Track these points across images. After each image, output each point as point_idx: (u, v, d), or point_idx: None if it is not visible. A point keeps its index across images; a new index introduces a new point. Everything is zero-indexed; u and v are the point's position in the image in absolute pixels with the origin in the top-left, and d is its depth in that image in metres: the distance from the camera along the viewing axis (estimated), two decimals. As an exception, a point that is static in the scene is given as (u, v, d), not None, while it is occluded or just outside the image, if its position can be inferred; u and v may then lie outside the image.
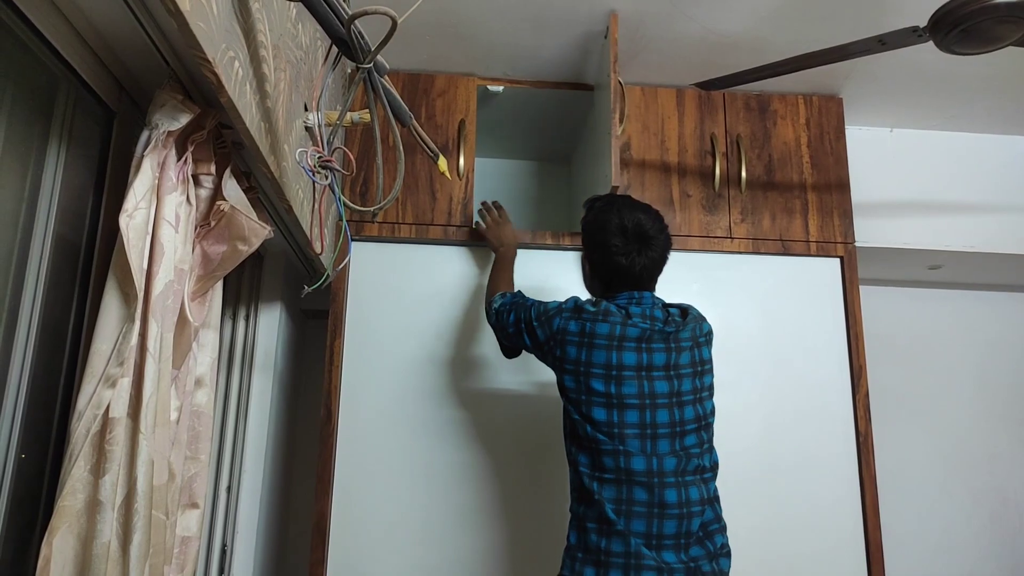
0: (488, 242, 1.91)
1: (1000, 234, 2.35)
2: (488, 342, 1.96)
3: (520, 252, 2.01)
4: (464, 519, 1.85)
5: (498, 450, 1.90)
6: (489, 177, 2.56)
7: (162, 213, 1.05)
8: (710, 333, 1.54)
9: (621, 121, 1.99)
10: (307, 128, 1.42)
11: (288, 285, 2.08)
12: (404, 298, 1.97)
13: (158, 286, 1.02)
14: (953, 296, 2.74)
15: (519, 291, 1.70)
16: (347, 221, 1.34)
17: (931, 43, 1.43)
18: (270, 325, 1.98)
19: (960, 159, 2.42)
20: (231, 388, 1.89)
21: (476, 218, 1.98)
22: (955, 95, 2.22)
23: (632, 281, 1.49)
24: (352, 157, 1.22)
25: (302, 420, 2.28)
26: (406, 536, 1.83)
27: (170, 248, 1.05)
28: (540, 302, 1.55)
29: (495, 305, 1.64)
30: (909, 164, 2.39)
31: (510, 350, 1.70)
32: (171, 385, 1.13)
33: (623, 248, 1.47)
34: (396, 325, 1.95)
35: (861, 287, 2.22)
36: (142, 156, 1.00)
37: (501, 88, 2.13)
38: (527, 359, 1.95)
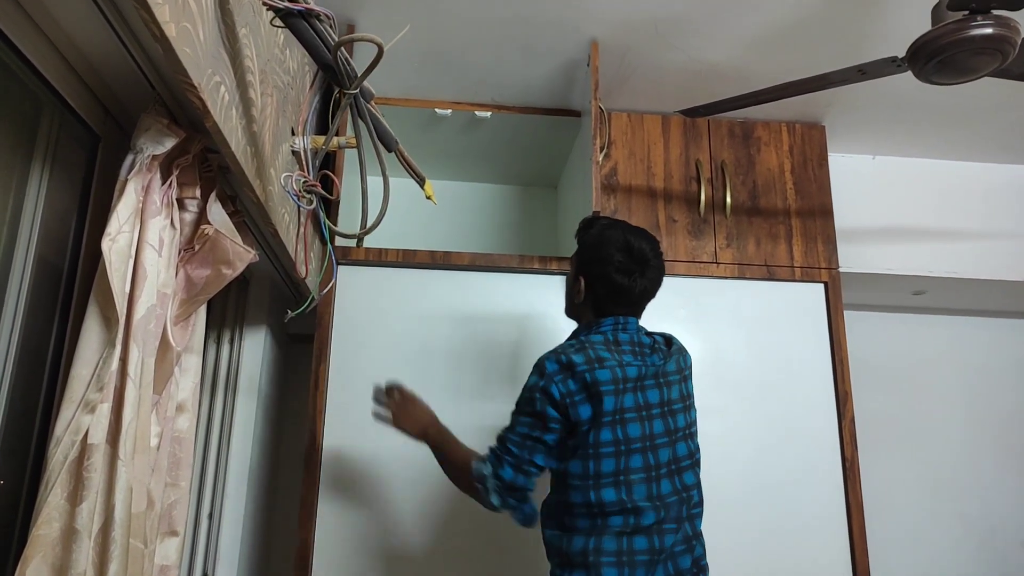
0: (403, 431, 1.57)
1: (982, 260, 2.37)
2: (475, 368, 1.95)
3: (506, 276, 2.02)
4: (451, 548, 1.83)
5: (484, 476, 1.88)
6: (476, 201, 2.57)
7: (145, 237, 1.05)
8: (691, 365, 1.53)
9: (604, 148, 2.02)
10: (293, 152, 1.43)
11: (274, 309, 2.07)
12: (390, 322, 1.96)
13: (140, 310, 1.01)
14: (938, 321, 2.76)
15: (492, 457, 1.39)
16: (332, 246, 1.33)
17: (910, 72, 1.45)
18: (255, 349, 1.97)
19: (941, 186, 2.45)
20: (214, 412, 1.87)
21: (374, 408, 1.61)
22: (935, 123, 2.26)
23: (627, 303, 1.46)
24: (338, 182, 1.22)
25: (287, 445, 2.25)
26: (391, 564, 1.80)
27: (153, 272, 1.05)
28: (516, 415, 1.38)
29: (487, 477, 1.35)
30: (891, 191, 2.43)
31: (529, 517, 1.40)
32: (152, 411, 1.11)
33: (626, 266, 1.44)
34: (382, 349, 1.94)
35: (846, 312, 2.24)
36: (126, 180, 1.00)
37: (489, 114, 2.15)
38: (515, 377, 1.95)
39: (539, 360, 1.39)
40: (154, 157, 1.03)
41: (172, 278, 1.12)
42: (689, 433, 1.44)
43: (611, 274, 1.44)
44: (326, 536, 1.79)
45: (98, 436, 0.95)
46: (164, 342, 1.12)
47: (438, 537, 1.83)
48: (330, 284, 1.55)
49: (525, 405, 1.37)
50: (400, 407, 1.59)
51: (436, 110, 2.12)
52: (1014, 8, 1.26)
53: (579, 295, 1.49)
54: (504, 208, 2.59)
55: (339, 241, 1.94)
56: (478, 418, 1.91)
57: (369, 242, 2.30)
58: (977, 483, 2.63)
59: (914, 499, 2.58)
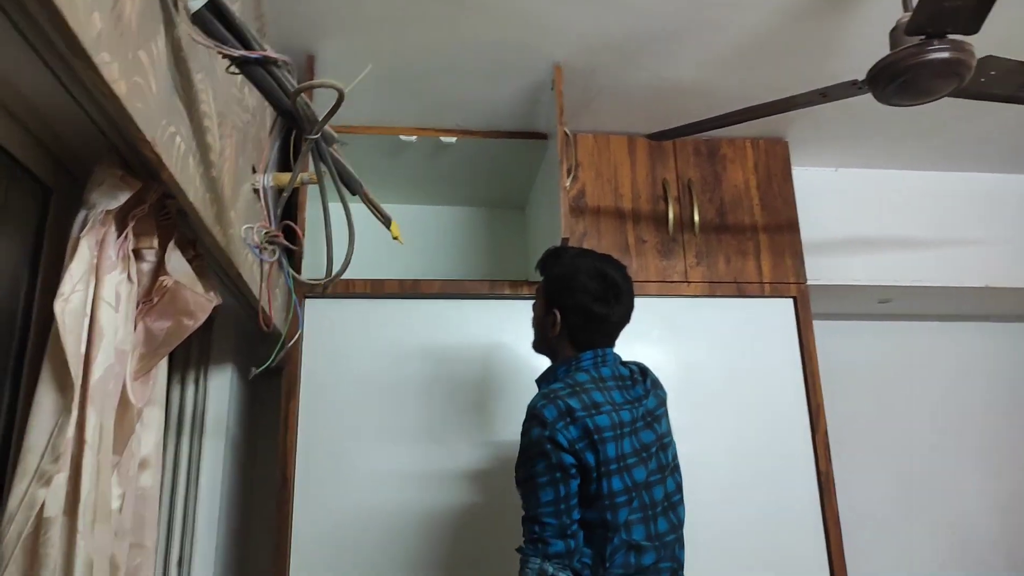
0: None
1: (946, 268, 2.41)
2: (446, 401, 1.92)
3: (476, 303, 2.00)
4: (427, 569, 1.80)
5: (462, 511, 1.86)
6: (443, 225, 2.54)
7: (101, 293, 1.00)
8: (666, 398, 1.53)
9: (571, 172, 2.01)
10: (255, 190, 1.39)
11: (240, 345, 2.01)
12: (361, 356, 1.92)
13: (97, 371, 0.97)
14: (905, 327, 2.80)
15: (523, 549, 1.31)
16: (296, 296, 1.29)
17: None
18: (221, 388, 1.91)
19: (904, 196, 2.49)
20: (180, 458, 1.80)
21: None
22: (895, 136, 2.30)
23: (605, 332, 1.45)
24: (300, 232, 1.19)
25: (258, 486, 2.20)
26: (369, 603, 1.76)
27: (110, 330, 1.00)
28: (530, 483, 1.30)
29: (545, 569, 1.26)
30: (855, 202, 2.46)
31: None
32: (112, 473, 1.07)
33: (602, 294, 1.42)
34: (353, 384, 1.90)
35: (815, 322, 2.25)
36: (79, 237, 0.96)
37: (454, 139, 2.13)
38: (489, 409, 1.93)
39: (533, 408, 1.34)
40: (108, 211, 0.99)
41: (131, 333, 1.08)
42: (675, 466, 1.45)
43: (588, 304, 1.42)
44: (300, 570, 1.75)
45: (54, 509, 0.90)
46: (124, 401, 1.07)
47: (415, 564, 1.79)
48: (296, 336, 1.50)
49: (537, 463, 1.30)
50: None
51: (401, 137, 2.10)
52: (969, 33, 1.28)
53: (554, 328, 1.46)
54: (473, 231, 2.57)
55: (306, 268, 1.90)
56: (450, 460, 1.87)
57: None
58: (948, 485, 2.66)
59: (889, 506, 2.61)
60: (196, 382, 1.88)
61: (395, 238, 1.19)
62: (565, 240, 1.80)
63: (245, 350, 2.10)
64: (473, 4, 1.62)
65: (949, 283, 2.39)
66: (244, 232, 1.03)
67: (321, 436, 1.85)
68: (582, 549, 1.29)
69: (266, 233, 1.02)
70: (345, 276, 1.96)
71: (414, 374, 1.93)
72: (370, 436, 1.87)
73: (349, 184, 1.11)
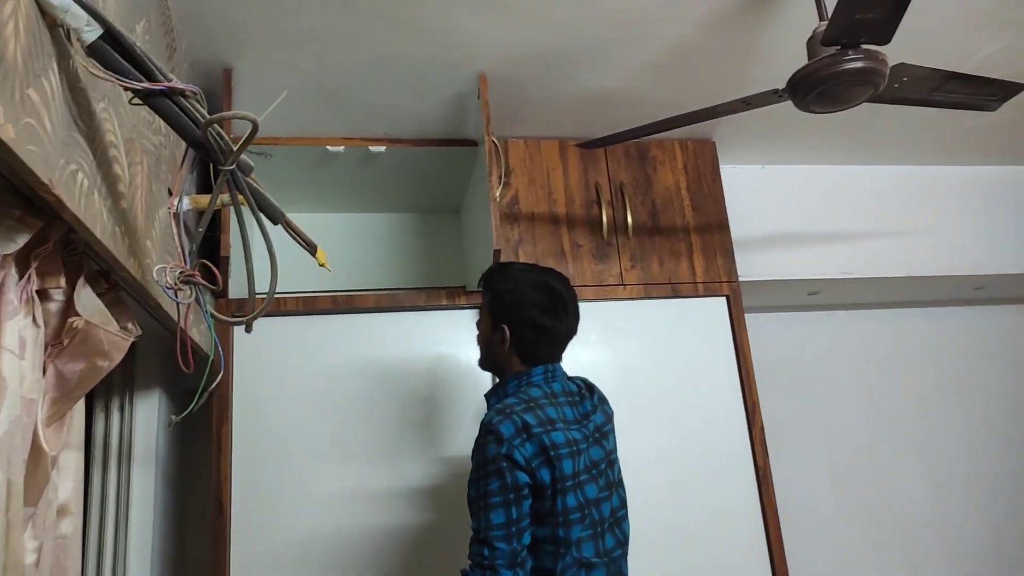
0: None
1: (872, 259, 2.50)
2: (388, 417, 1.89)
3: (413, 315, 1.97)
4: (374, 602, 1.77)
5: (409, 530, 1.83)
6: (377, 232, 2.50)
7: (2, 342, 0.94)
8: (612, 414, 1.55)
9: (503, 179, 2.00)
10: (173, 215, 1.33)
11: (166, 370, 1.94)
12: (296, 375, 1.87)
13: (2, 427, 0.91)
14: (833, 317, 2.89)
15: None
16: (216, 334, 1.24)
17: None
18: (148, 416, 1.84)
19: (829, 190, 2.56)
20: (108, 493, 1.73)
21: None
22: (818, 132, 2.36)
23: (554, 345, 1.45)
24: (217, 272, 1.14)
25: (193, 515, 2.12)
26: (313, 628, 1.73)
27: (14, 380, 0.94)
28: (483, 501, 1.28)
29: None
30: (782, 198, 2.52)
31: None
32: (26, 527, 1.01)
33: (550, 307, 1.43)
34: (290, 404, 1.85)
35: (747, 315, 2.31)
36: (-27, 286, 0.90)
37: (383, 148, 2.09)
38: (433, 424, 1.91)
39: (489, 423, 1.32)
40: (6, 256, 0.93)
41: (39, 379, 1.02)
42: (619, 481, 1.47)
43: (536, 318, 1.42)
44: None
45: (-40, 577, 0.84)
46: (36, 449, 1.01)
47: (362, 594, 1.77)
48: (216, 380, 1.45)
49: (492, 481, 1.28)
50: None
51: (328, 147, 2.04)
52: (881, 43, 1.31)
53: (502, 344, 1.45)
54: (407, 236, 2.53)
55: (234, 289, 1.83)
56: (395, 477, 1.85)
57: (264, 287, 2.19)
58: (879, 470, 2.77)
59: (823, 495, 2.69)
60: (121, 410, 1.81)
61: (321, 265, 1.15)
62: (497, 252, 1.78)
63: (172, 374, 2.02)
64: (393, 19, 1.58)
65: (875, 274, 2.47)
66: (156, 273, 0.98)
67: (257, 460, 1.80)
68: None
69: (181, 273, 0.97)
70: (276, 294, 1.92)
71: (353, 391, 1.89)
72: (309, 458, 1.83)
73: (270, 213, 1.07)
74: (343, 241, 2.42)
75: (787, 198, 2.52)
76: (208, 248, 1.68)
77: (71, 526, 1.15)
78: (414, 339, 1.96)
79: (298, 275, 2.29)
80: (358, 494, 1.82)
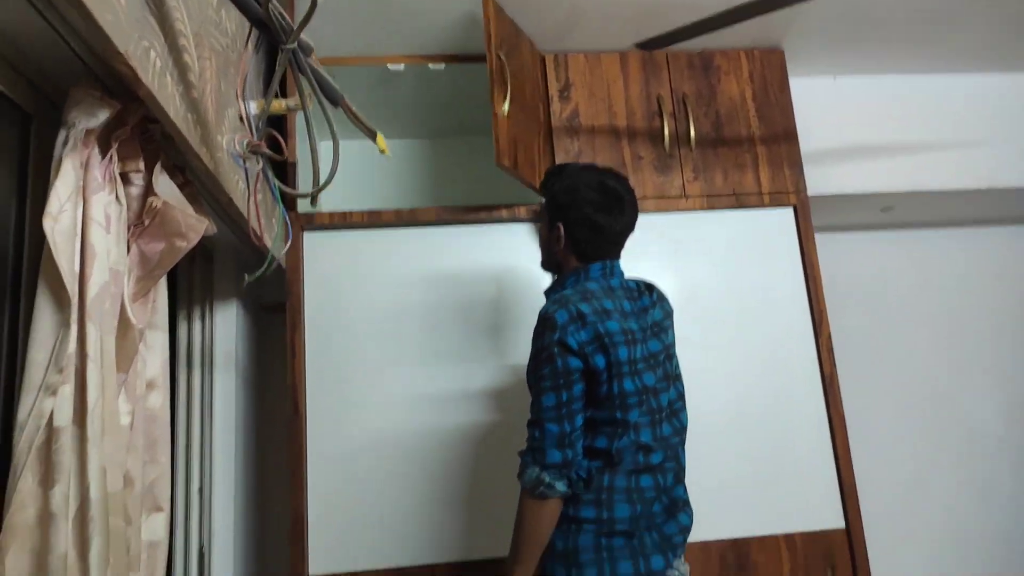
0: None
1: (947, 171, 2.38)
2: (452, 327, 1.94)
3: (474, 229, 2.00)
4: (445, 504, 1.85)
5: (475, 432, 1.90)
6: (436, 158, 2.53)
7: (90, 214, 1.02)
8: (672, 312, 1.56)
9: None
10: (241, 119, 1.39)
11: (243, 281, 2.04)
12: (362, 285, 1.94)
13: (93, 289, 0.99)
14: (907, 236, 2.78)
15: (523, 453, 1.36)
16: (285, 207, 1.29)
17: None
18: (227, 323, 1.95)
19: (903, 101, 2.44)
20: (193, 390, 1.85)
21: None
22: (892, 39, 2.24)
23: (609, 243, 1.46)
24: (284, 142, 1.18)
25: (271, 414, 2.25)
26: (386, 525, 1.82)
27: (102, 250, 1.02)
28: (537, 387, 1.33)
29: (542, 478, 1.29)
30: (854, 110, 2.42)
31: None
32: (120, 390, 1.10)
33: (604, 204, 1.44)
34: (357, 313, 1.93)
35: (816, 235, 2.25)
36: (62, 156, 0.97)
37: (443, 66, 2.09)
38: (498, 332, 1.96)
39: (545, 313, 1.36)
40: (89, 131, 0.99)
41: (124, 255, 1.09)
42: (678, 375, 1.49)
43: (591, 214, 1.44)
44: (319, 505, 1.81)
45: (63, 419, 0.93)
46: (124, 320, 1.10)
47: (431, 498, 1.85)
48: (287, 246, 1.51)
49: (544, 366, 1.32)
50: None
51: (389, 66, 2.07)
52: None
53: (559, 242, 1.48)
54: (442, 162, 2.53)
55: (301, 207, 1.90)
56: (461, 381, 1.91)
57: (332, 205, 2.26)
58: (954, 391, 2.68)
59: (894, 412, 2.63)
60: (202, 318, 1.92)
61: (382, 151, 1.19)
62: (503, 167, 1.78)
63: (250, 287, 2.12)
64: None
65: (951, 186, 2.36)
66: (226, 142, 1.04)
67: (329, 365, 1.89)
68: (580, 462, 1.32)
69: (248, 143, 1.02)
70: (342, 208, 1.98)
71: (417, 301, 1.95)
72: (377, 363, 1.90)
73: (329, 95, 1.10)
74: (402, 165, 2.47)
75: (859, 110, 2.42)
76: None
77: (159, 399, 1.24)
78: (476, 252, 2.00)
79: (363, 197, 2.36)
80: (424, 397, 1.89)
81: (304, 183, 1.78)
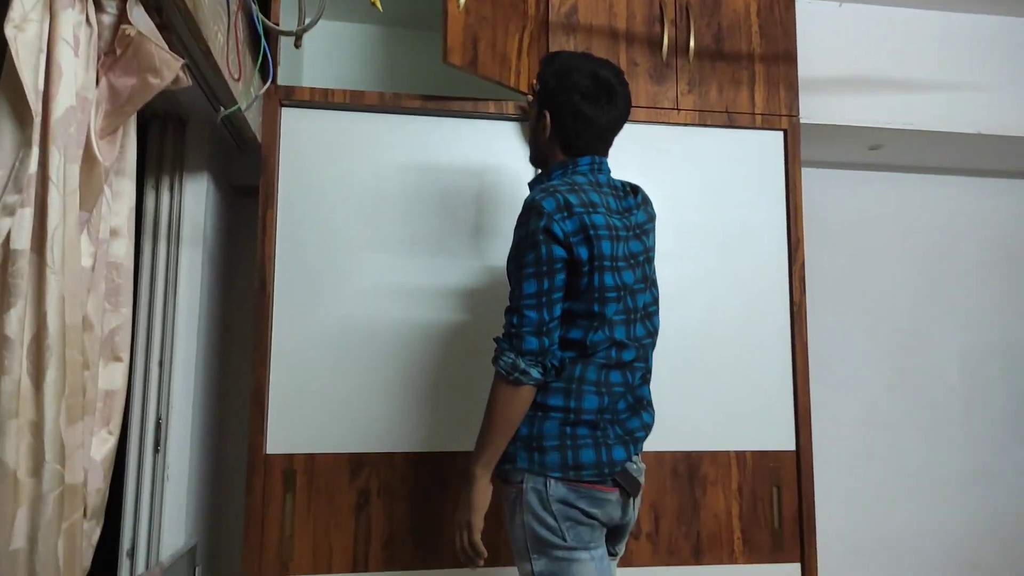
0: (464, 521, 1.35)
1: (940, 113, 2.37)
2: (429, 219, 1.90)
3: (459, 122, 1.94)
4: (406, 395, 1.84)
5: (443, 328, 1.88)
6: (420, 45, 2.43)
7: (58, 31, 0.94)
8: (655, 216, 1.54)
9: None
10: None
11: (216, 156, 1.96)
12: (340, 168, 1.88)
13: (57, 110, 0.93)
14: (892, 178, 2.78)
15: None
16: (267, 42, 1.21)
17: None
18: (197, 196, 1.87)
19: (906, 36, 2.40)
20: (157, 260, 1.80)
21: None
22: (905, -34, 2.19)
23: (595, 136, 1.42)
24: None
25: (238, 298, 2.21)
26: (347, 411, 1.81)
27: (69, 71, 0.96)
28: (518, 273, 1.31)
29: (516, 363, 1.28)
30: (855, 40, 2.37)
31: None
32: (82, 227, 1.05)
33: (592, 92, 1.39)
34: (333, 196, 1.87)
35: (803, 169, 2.23)
36: (28, -41, 0.89)
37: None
38: (477, 229, 1.92)
39: (531, 201, 1.33)
40: (58, -64, 0.91)
41: (92, 82, 1.03)
42: (654, 280, 1.48)
43: (577, 102, 1.39)
44: (281, 385, 1.79)
45: (21, 242, 0.88)
46: (89, 154, 1.04)
47: (394, 389, 1.84)
48: (266, 86, 1.43)
49: (527, 253, 1.30)
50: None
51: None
52: None
53: (544, 131, 1.44)
54: (420, 54, 2.42)
55: (281, 78, 1.81)
56: (435, 276, 1.88)
57: (314, 82, 2.17)
58: (915, 333, 2.74)
59: (856, 348, 2.69)
60: (171, 189, 1.85)
61: (373, 3, 1.12)
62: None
63: (221, 165, 2.05)
64: None
65: (943, 128, 2.35)
66: (208, -40, 0.96)
67: (300, 246, 1.84)
68: (554, 351, 1.32)
69: (232, -35, 0.95)
70: (323, 85, 1.89)
71: (396, 189, 1.90)
72: (351, 248, 1.86)
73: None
74: (388, 50, 2.37)
75: (861, 40, 2.37)
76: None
77: (123, 248, 1.20)
78: (460, 145, 1.94)
79: (342, 80, 2.27)
80: (396, 288, 1.87)
81: (288, 60, 1.69)
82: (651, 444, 1.82)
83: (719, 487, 1.95)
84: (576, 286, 1.32)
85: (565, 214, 1.30)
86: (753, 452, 1.98)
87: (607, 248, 1.32)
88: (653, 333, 1.45)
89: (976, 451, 2.73)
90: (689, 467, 1.95)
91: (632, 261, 1.39)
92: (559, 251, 1.29)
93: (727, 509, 1.94)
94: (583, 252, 1.30)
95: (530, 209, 1.33)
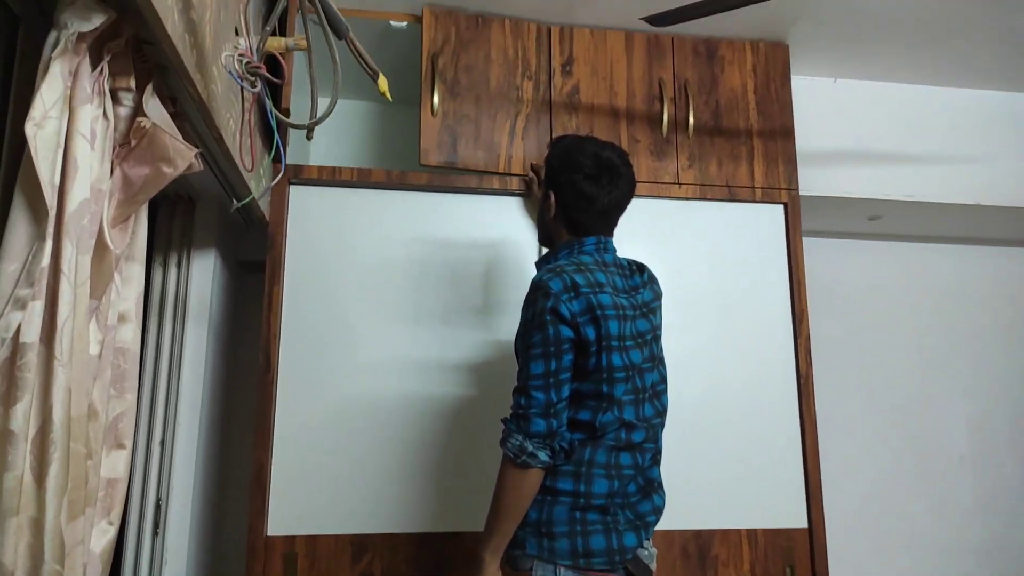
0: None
1: (938, 185, 2.40)
2: (435, 293, 1.91)
3: (465, 198, 1.97)
4: (411, 474, 1.81)
5: (449, 404, 1.86)
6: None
7: (75, 126, 0.97)
8: (662, 295, 1.55)
9: (566, 65, 1.95)
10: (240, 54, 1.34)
11: (223, 234, 1.98)
12: (346, 245, 1.90)
13: (72, 204, 0.94)
14: (893, 248, 2.80)
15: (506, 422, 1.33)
16: (279, 135, 1.24)
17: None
18: (203, 273, 1.89)
19: (901, 110, 2.45)
20: (163, 336, 1.80)
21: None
22: (899, 44, 2.25)
23: (598, 214, 1.44)
24: (285, 64, 1.13)
25: (242, 374, 2.20)
26: (350, 491, 1.78)
27: (85, 165, 0.97)
28: (526, 354, 1.30)
29: (524, 446, 1.26)
30: (852, 114, 2.42)
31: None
32: (91, 316, 1.05)
33: (593, 172, 1.41)
34: (339, 272, 1.88)
35: (804, 239, 2.25)
36: (50, 59, 0.92)
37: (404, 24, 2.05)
38: (483, 305, 1.93)
39: (538, 281, 1.34)
40: (81, 36, 0.94)
41: (107, 174, 1.05)
42: (661, 359, 1.48)
43: (579, 181, 1.42)
44: (283, 465, 1.76)
45: (31, 335, 0.88)
46: (101, 243, 1.05)
47: (398, 467, 1.81)
48: (277, 178, 1.45)
49: (535, 334, 1.30)
50: None
51: (391, 22, 2.03)
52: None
53: (550, 211, 1.47)
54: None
55: (290, 157, 1.85)
56: (441, 352, 1.88)
57: (322, 161, 2.20)
58: (922, 404, 2.71)
59: (863, 418, 2.65)
60: (178, 265, 1.86)
61: (383, 93, 1.15)
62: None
63: (228, 241, 2.07)
64: None
65: (940, 199, 2.38)
66: (224, 59, 0.99)
67: (306, 323, 1.84)
68: (563, 433, 1.30)
69: (247, 63, 0.97)
70: (331, 164, 1.93)
71: (401, 265, 1.91)
72: (357, 325, 1.86)
73: (335, 27, 1.06)
74: (398, 129, 2.42)
75: (857, 115, 2.42)
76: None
77: (131, 334, 1.19)
78: (465, 221, 1.97)
79: (351, 158, 2.31)
80: (402, 364, 1.86)
81: (295, 139, 1.73)
82: (660, 522, 1.78)
83: (731, 568, 1.90)
84: (584, 367, 1.31)
85: (572, 294, 1.30)
86: (764, 530, 1.94)
87: (614, 328, 1.32)
88: (662, 412, 1.44)
89: (988, 522, 2.67)
90: (699, 547, 1.90)
91: (639, 340, 1.39)
92: (566, 331, 1.29)
93: (740, 591, 1.89)
94: (591, 332, 1.30)
95: (537, 289, 1.33)
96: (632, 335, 1.37)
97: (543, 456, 1.27)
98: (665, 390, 1.46)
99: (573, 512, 1.28)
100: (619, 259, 1.47)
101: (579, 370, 1.31)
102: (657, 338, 1.47)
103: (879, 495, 2.61)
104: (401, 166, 2.21)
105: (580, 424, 1.31)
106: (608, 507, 1.29)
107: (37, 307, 0.89)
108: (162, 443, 1.79)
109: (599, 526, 1.28)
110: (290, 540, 1.74)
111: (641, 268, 1.51)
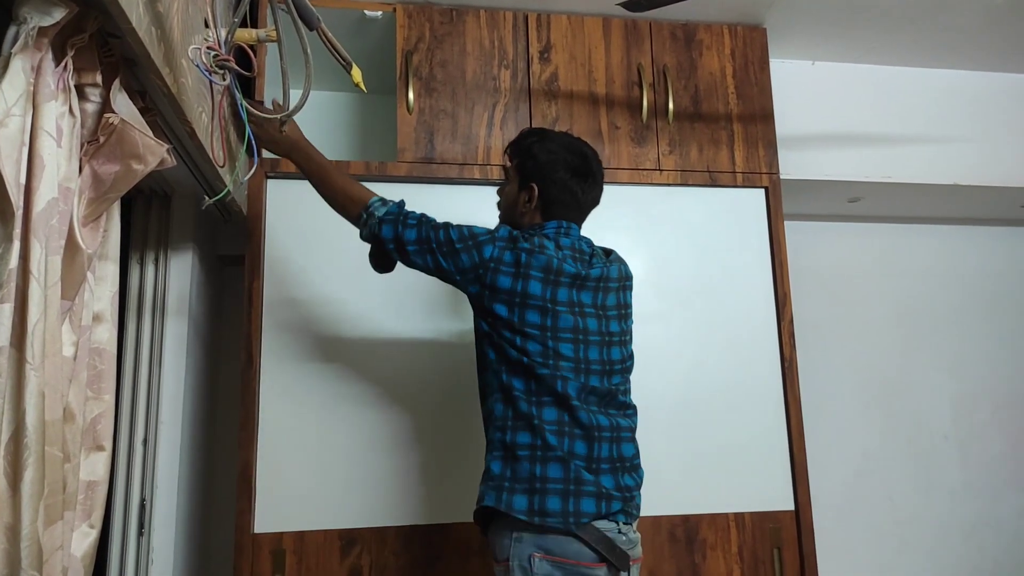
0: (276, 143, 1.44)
1: (918, 165, 2.41)
2: (412, 276, 1.89)
3: (443, 188, 1.95)
4: (396, 460, 1.81)
5: (424, 389, 1.86)
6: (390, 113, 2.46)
7: (40, 123, 0.94)
8: (631, 278, 1.56)
9: (543, 53, 1.93)
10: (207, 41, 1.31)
11: (201, 229, 1.96)
12: (326, 238, 1.87)
13: (39, 203, 0.92)
14: (873, 229, 2.81)
15: (403, 201, 1.49)
16: (251, 127, 1.21)
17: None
18: (182, 270, 1.86)
19: (880, 92, 2.46)
20: (142, 336, 1.77)
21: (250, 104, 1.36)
22: (876, 27, 2.25)
23: (573, 209, 1.49)
24: (253, 56, 1.11)
25: (225, 370, 2.18)
26: (337, 486, 1.77)
27: (52, 163, 0.95)
28: (457, 225, 1.43)
29: (378, 214, 1.44)
30: (830, 97, 2.42)
31: (387, 263, 1.54)
32: (63, 317, 1.03)
33: (581, 171, 1.47)
34: (319, 266, 1.86)
35: (785, 222, 2.25)
36: (10, 55, 0.89)
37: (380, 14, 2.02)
38: (462, 295, 1.91)
39: (498, 225, 1.46)
40: (42, 31, 0.92)
41: (75, 172, 1.02)
42: (622, 340, 1.48)
43: (567, 179, 1.46)
44: (268, 461, 1.75)
45: (1, 339, 0.86)
46: (72, 243, 1.03)
47: (384, 453, 1.80)
48: (251, 171, 1.44)
49: (471, 227, 1.41)
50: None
51: (366, 12, 2.00)
52: None
53: (530, 203, 1.48)
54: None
55: (267, 153, 1.82)
56: (422, 346, 1.87)
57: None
58: (906, 384, 2.73)
59: (847, 400, 2.67)
60: (156, 262, 1.84)
61: (356, 84, 1.13)
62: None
63: (206, 236, 2.04)
64: None
65: (920, 180, 2.39)
66: (191, 52, 0.97)
67: (287, 317, 1.82)
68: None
69: (216, 56, 0.95)
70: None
71: (381, 256, 1.89)
72: (338, 318, 1.85)
73: (306, 17, 1.04)
74: (376, 119, 2.39)
75: (835, 97, 2.42)
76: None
77: (106, 334, 1.18)
78: (446, 211, 1.94)
79: (327, 150, 2.28)
80: (385, 359, 1.85)
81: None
82: (647, 509, 1.78)
83: (719, 551, 1.91)
84: (506, 321, 1.36)
85: (507, 245, 1.39)
86: (752, 513, 1.95)
87: (537, 289, 1.35)
88: (609, 387, 1.42)
89: (973, 499, 2.70)
90: (687, 531, 1.91)
91: (586, 310, 1.40)
92: (465, 259, 1.39)
93: (728, 574, 1.90)
94: (505, 281, 1.36)
95: (495, 229, 1.43)
96: (573, 302, 1.39)
97: (384, 232, 1.43)
98: (622, 371, 1.46)
99: (532, 467, 1.31)
100: (580, 243, 1.48)
101: (507, 326, 1.36)
102: (609, 317, 1.45)
103: (865, 476, 2.63)
104: (380, 157, 2.19)
105: (549, 394, 1.35)
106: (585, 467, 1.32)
107: (6, 310, 0.87)
108: (144, 443, 1.77)
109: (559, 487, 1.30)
110: (277, 537, 1.73)
111: (607, 252, 1.55)
